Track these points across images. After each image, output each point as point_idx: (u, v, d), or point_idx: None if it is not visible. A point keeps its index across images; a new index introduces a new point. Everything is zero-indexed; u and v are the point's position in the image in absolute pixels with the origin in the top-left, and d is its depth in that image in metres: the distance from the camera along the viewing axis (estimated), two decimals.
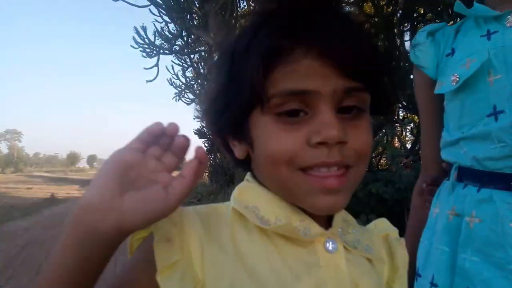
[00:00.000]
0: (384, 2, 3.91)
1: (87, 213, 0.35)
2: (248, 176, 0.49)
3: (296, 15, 0.39)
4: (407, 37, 3.68)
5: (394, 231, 0.53)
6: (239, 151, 0.47)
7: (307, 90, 0.38)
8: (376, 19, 3.74)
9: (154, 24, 6.54)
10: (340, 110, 0.40)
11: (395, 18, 3.69)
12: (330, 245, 0.44)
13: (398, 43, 3.59)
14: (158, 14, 6.06)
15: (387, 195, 3.05)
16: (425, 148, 0.91)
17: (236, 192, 0.48)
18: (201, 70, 9.52)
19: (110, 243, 0.37)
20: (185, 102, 10.36)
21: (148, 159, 0.37)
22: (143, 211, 0.35)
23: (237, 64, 0.41)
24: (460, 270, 0.69)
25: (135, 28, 6.51)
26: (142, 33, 6.47)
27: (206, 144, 10.88)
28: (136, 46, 6.66)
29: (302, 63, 0.38)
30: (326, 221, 0.46)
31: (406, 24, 3.68)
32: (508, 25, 0.69)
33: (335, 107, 0.40)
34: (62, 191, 15.93)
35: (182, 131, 0.38)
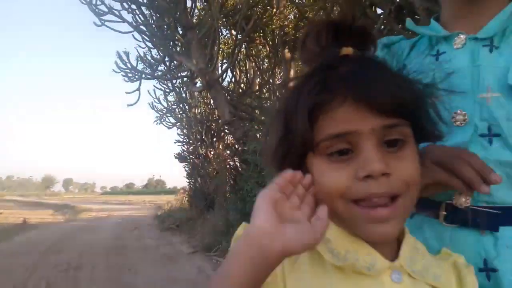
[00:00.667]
0: None
1: (259, 236, 0.42)
2: None
3: (330, 70, 0.46)
4: None
5: (459, 257, 0.54)
6: None
7: (348, 131, 0.44)
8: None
9: (137, 50, 6.61)
10: (387, 144, 0.46)
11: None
12: (395, 277, 0.48)
13: None
14: (141, 40, 6.14)
15: None
16: None
17: None
18: (183, 95, 9.59)
19: (272, 265, 0.43)
20: (166, 126, 10.34)
21: (288, 198, 0.46)
22: (301, 240, 0.42)
23: (289, 119, 0.48)
24: None
25: (118, 53, 6.56)
26: (124, 58, 6.51)
27: (186, 168, 10.81)
28: (118, 71, 6.67)
29: (340, 111, 0.44)
30: (395, 250, 0.50)
31: None
32: (455, 46, 0.69)
33: (379, 143, 0.45)
34: (35, 216, 15.31)
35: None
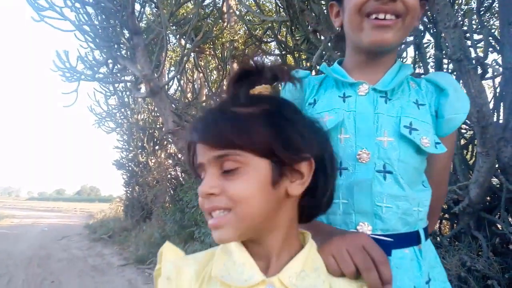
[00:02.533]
0: (304, 57, 4.30)
1: None
2: None
3: (194, 125, 0.58)
4: None
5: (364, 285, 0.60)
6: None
7: (200, 162, 0.57)
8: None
9: (78, 50, 6.29)
10: (228, 172, 0.55)
11: (312, 71, 4.08)
12: None
13: None
14: (83, 40, 5.86)
15: None
16: None
17: None
18: (126, 99, 9.25)
19: None
20: (104, 131, 9.87)
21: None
22: None
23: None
24: None
25: (57, 52, 6.18)
26: (63, 56, 6.16)
27: (124, 176, 10.35)
28: (56, 70, 6.29)
29: (197, 149, 0.58)
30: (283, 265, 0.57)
31: None
32: (359, 93, 0.80)
33: (218, 171, 0.55)
34: None
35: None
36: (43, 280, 4.64)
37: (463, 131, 3.41)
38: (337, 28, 0.89)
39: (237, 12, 7.50)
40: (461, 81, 2.06)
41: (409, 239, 0.76)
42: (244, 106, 0.56)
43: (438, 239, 3.36)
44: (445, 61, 3.45)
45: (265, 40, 5.75)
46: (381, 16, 0.74)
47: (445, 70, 3.77)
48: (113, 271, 5.19)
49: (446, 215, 3.69)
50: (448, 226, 3.98)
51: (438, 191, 0.86)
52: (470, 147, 3.38)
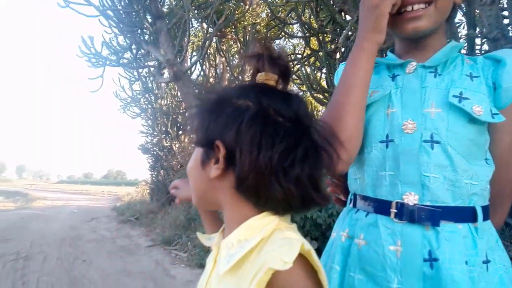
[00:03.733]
0: (328, 39, 4.19)
1: None
2: None
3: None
4: None
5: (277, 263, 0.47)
6: None
7: None
8: (320, 54, 4.01)
9: (102, 35, 6.38)
10: None
11: (337, 53, 3.98)
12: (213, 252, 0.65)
13: None
14: (107, 26, 5.93)
15: (320, 220, 3.20)
16: None
17: None
18: (149, 85, 9.36)
19: None
20: (130, 116, 10.06)
21: None
22: None
23: None
24: (348, 287, 0.78)
25: (82, 37, 6.30)
26: (88, 42, 6.26)
27: (149, 160, 10.58)
28: (82, 55, 6.42)
29: None
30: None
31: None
32: (407, 71, 0.83)
33: None
34: None
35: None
36: (75, 259, 4.86)
37: None
38: None
39: None
40: None
41: (462, 214, 0.73)
42: (217, 92, 0.60)
43: None
44: (478, 41, 3.29)
45: (288, 22, 5.63)
46: (409, 8, 0.77)
47: (478, 51, 3.60)
48: (141, 251, 5.37)
49: None
50: None
51: (505, 174, 0.81)
52: None
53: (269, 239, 0.52)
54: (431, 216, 0.71)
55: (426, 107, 0.77)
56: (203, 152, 0.58)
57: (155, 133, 9.76)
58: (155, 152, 10.02)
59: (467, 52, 3.29)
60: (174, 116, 9.20)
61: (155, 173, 10.05)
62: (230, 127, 0.53)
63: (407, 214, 0.73)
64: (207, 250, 4.36)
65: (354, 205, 0.85)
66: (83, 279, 3.99)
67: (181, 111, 8.99)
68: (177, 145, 9.17)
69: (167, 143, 9.37)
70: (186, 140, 9.10)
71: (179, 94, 8.65)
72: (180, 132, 9.29)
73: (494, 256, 0.75)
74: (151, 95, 9.44)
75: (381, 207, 0.77)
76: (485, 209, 0.76)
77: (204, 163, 0.58)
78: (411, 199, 0.73)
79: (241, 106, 0.54)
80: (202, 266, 4.30)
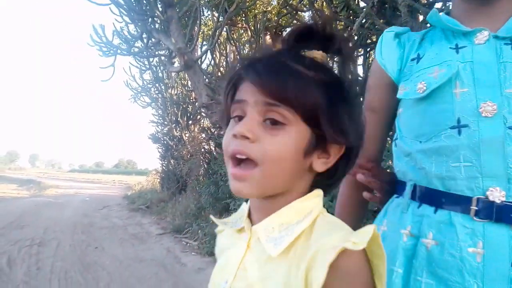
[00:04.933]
0: (342, 26, 4.12)
1: None
2: None
3: (251, 62, 0.56)
4: (359, 61, 3.91)
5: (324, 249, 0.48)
6: None
7: (241, 99, 0.54)
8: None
9: (113, 24, 6.37)
10: (271, 122, 0.52)
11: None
12: (245, 236, 0.59)
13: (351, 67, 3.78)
14: (118, 14, 5.92)
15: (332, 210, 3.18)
16: (370, 141, 0.84)
17: None
18: (160, 74, 9.37)
19: None
20: (140, 106, 10.11)
21: None
22: None
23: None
24: None
25: (93, 26, 6.30)
26: (100, 31, 6.27)
27: (160, 150, 10.65)
28: (93, 44, 6.43)
29: (244, 86, 0.55)
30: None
31: (360, 49, 3.90)
32: (476, 42, 0.70)
33: (260, 116, 0.53)
34: None
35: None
36: (88, 246, 4.93)
37: None
38: None
39: None
40: None
41: None
42: (306, 68, 0.53)
43: None
44: None
45: (300, 9, 5.55)
46: None
47: None
48: (152, 239, 5.43)
49: None
50: None
51: None
52: None
53: (315, 223, 0.53)
54: None
55: (508, 87, 0.65)
56: (310, 139, 0.53)
57: (166, 122, 9.81)
58: (165, 142, 10.09)
59: None
60: (184, 106, 9.21)
61: (166, 162, 10.13)
62: (353, 128, 0.54)
63: (490, 212, 0.63)
64: None
65: (414, 198, 0.75)
66: (96, 265, 4.05)
67: (191, 100, 8.99)
68: (187, 135, 9.19)
69: (177, 132, 9.40)
70: (196, 129, 9.12)
71: (189, 83, 8.64)
72: (190, 122, 9.31)
73: None
74: (162, 84, 9.46)
75: (457, 203, 0.67)
76: None
77: (308, 153, 0.53)
78: (496, 195, 0.63)
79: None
80: (212, 254, 4.32)
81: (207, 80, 6.12)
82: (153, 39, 6.28)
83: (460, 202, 0.67)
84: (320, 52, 0.56)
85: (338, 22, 4.20)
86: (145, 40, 6.39)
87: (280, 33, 8.81)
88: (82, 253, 4.56)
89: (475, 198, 0.65)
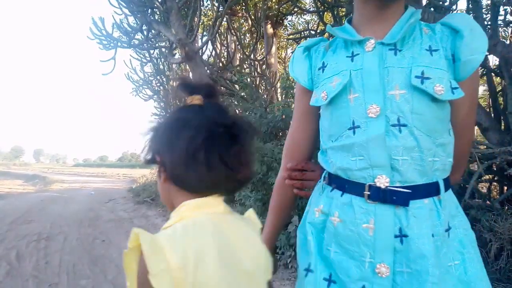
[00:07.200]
0: (343, 13, 4.06)
1: None
2: None
3: None
4: None
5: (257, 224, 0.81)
6: None
7: None
8: (328, 24, 3.89)
9: (113, 16, 6.31)
10: None
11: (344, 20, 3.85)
12: None
13: None
14: (117, 6, 5.85)
15: None
16: (293, 138, 1.04)
17: None
18: (161, 66, 9.32)
19: None
20: (142, 98, 10.08)
21: None
22: None
23: None
24: (325, 259, 0.84)
25: (92, 19, 6.25)
26: (99, 24, 6.22)
27: None
28: (93, 37, 6.38)
29: None
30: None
31: None
32: (367, 49, 0.81)
33: None
34: (3, 186, 14.85)
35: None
36: (94, 239, 4.97)
37: None
38: None
39: None
40: None
41: (428, 190, 0.78)
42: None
43: (488, 202, 3.21)
44: (502, 11, 3.14)
45: None
46: None
47: (500, 20, 3.44)
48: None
49: (496, 178, 3.52)
50: (496, 190, 3.80)
51: (463, 138, 0.87)
52: None
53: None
54: (401, 197, 0.76)
55: (390, 90, 0.77)
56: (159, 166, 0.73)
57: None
58: None
59: (489, 23, 3.15)
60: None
61: None
62: (163, 146, 0.72)
63: (379, 196, 0.77)
64: None
65: (329, 183, 0.88)
66: (103, 258, 4.08)
67: None
68: None
69: None
70: None
71: (190, 75, 8.59)
72: None
73: (454, 222, 0.81)
74: (163, 76, 9.40)
75: (355, 189, 0.81)
76: (446, 181, 0.81)
77: (159, 172, 0.73)
78: (382, 181, 0.77)
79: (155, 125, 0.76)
80: None
81: (208, 71, 6.08)
82: (153, 31, 6.23)
83: (357, 188, 0.80)
84: (197, 96, 0.73)
85: (339, 8, 4.14)
86: (145, 32, 6.34)
87: (281, 21, 8.73)
88: (89, 247, 4.59)
89: (367, 185, 0.78)
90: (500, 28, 3.50)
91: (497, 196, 3.47)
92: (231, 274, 0.64)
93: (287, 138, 1.06)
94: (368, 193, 0.78)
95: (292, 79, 4.98)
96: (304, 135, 1.01)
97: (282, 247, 3.42)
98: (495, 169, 3.36)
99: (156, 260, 0.57)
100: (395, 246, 0.75)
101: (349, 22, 0.89)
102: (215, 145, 0.66)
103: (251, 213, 0.84)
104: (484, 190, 3.66)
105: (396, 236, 0.75)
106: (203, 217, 0.67)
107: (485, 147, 3.21)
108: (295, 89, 1.03)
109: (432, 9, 2.75)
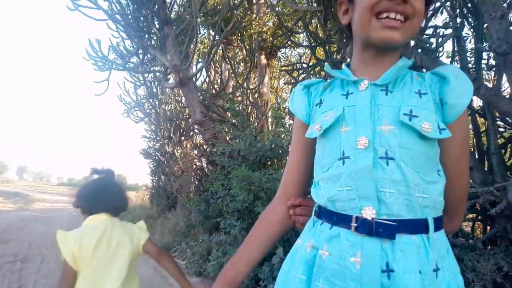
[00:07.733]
0: (334, 49, 4.20)
1: None
2: None
3: None
4: None
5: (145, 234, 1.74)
6: None
7: None
8: (326, 63, 4.01)
9: (110, 39, 6.41)
10: None
11: (343, 63, 3.98)
12: None
13: None
14: (115, 30, 5.96)
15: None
16: (289, 169, 1.07)
17: None
18: (154, 90, 9.39)
19: None
20: (133, 120, 10.08)
21: None
22: None
23: None
24: None
25: (89, 40, 6.33)
26: (95, 45, 6.30)
27: (151, 165, 10.55)
28: (88, 58, 6.44)
29: None
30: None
31: None
32: (360, 89, 0.87)
33: None
34: None
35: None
36: None
37: (501, 129, 3.24)
38: (344, 25, 0.97)
39: (268, 2, 7.41)
40: (504, 76, 1.94)
41: (416, 226, 0.78)
42: None
43: (471, 241, 3.22)
44: (485, 56, 3.28)
45: (295, 31, 5.65)
46: (392, 15, 0.80)
47: (484, 64, 3.59)
48: (139, 257, 5.29)
49: (480, 217, 3.55)
50: (480, 229, 3.83)
51: (457, 183, 0.89)
52: (508, 147, 3.21)
53: None
54: (387, 229, 0.76)
55: (380, 125, 0.81)
56: None
57: (158, 138, 9.76)
58: (156, 157, 10.00)
59: (473, 66, 3.28)
60: (177, 122, 9.20)
61: (156, 178, 10.02)
62: (88, 197, 1.74)
63: (365, 228, 0.77)
64: (206, 259, 4.31)
65: (320, 217, 0.89)
66: None
67: (184, 117, 8.99)
68: (179, 151, 9.15)
69: (169, 148, 9.35)
70: (188, 146, 9.09)
71: (183, 99, 8.66)
72: (183, 138, 9.28)
73: (443, 264, 0.80)
74: (156, 100, 9.45)
75: (343, 221, 0.81)
76: (437, 220, 0.81)
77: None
78: (369, 213, 0.77)
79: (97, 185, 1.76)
80: (200, 274, 4.24)
81: (201, 97, 6.14)
82: (148, 55, 6.32)
83: (345, 220, 0.80)
84: None
85: (331, 44, 4.28)
86: (140, 56, 6.43)
87: (275, 52, 8.95)
88: None
89: (354, 217, 0.78)
90: (484, 72, 3.64)
91: (481, 236, 3.49)
92: (101, 251, 1.58)
93: (285, 169, 1.09)
94: (355, 225, 0.78)
95: (283, 109, 5.05)
96: (300, 167, 1.03)
97: (265, 279, 3.35)
98: (478, 208, 3.40)
99: (63, 244, 1.52)
100: (382, 281, 0.74)
101: (348, 66, 0.95)
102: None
103: (139, 223, 1.66)
104: (468, 229, 3.68)
105: (383, 271, 0.75)
106: (92, 222, 1.63)
107: (469, 186, 3.26)
108: (293, 124, 1.08)
109: (419, 50, 2.86)
